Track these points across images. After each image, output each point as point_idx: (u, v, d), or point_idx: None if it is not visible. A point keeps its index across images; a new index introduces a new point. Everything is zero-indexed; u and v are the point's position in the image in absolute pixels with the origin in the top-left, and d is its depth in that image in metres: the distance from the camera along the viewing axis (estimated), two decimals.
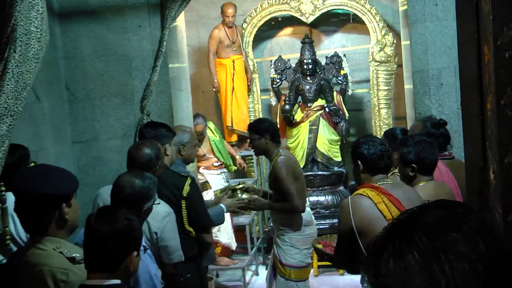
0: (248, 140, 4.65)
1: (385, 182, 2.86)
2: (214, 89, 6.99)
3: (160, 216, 3.03)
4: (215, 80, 6.92)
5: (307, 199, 4.56)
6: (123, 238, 2.00)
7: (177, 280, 3.28)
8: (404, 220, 0.97)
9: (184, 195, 3.36)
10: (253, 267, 6.60)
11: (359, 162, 2.90)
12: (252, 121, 7.15)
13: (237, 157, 6.77)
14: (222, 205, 3.99)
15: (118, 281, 1.99)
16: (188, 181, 3.41)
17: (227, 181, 6.45)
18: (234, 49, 6.97)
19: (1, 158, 2.42)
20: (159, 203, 2.89)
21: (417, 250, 0.89)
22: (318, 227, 5.80)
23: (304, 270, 4.36)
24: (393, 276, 0.90)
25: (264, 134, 4.23)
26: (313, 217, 4.53)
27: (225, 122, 7.06)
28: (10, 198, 2.83)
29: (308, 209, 4.44)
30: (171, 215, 3.12)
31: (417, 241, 0.90)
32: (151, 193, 2.69)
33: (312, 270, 4.96)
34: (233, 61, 6.93)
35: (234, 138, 7.11)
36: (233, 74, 6.91)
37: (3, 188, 2.34)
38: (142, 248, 2.20)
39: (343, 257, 2.95)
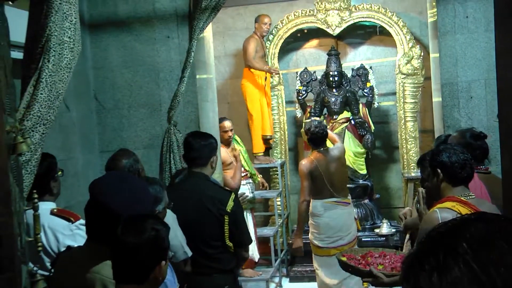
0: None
1: (470, 197, 2.67)
2: (273, 72, 6.80)
3: None
4: (267, 67, 6.77)
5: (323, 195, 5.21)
6: (151, 249, 1.97)
7: None
8: (445, 232, 0.94)
9: (228, 210, 3.29)
10: (276, 279, 6.55)
11: (439, 171, 2.72)
12: (276, 131, 7.19)
13: (259, 176, 6.69)
14: None
15: None
16: (232, 196, 3.35)
17: (252, 192, 6.42)
18: (266, 60, 6.97)
19: (34, 166, 2.44)
20: None
21: (464, 263, 0.86)
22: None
23: (316, 248, 5.22)
24: None
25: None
26: (327, 211, 5.17)
27: (255, 132, 6.91)
28: (41, 207, 2.86)
29: (318, 203, 5.19)
30: (167, 215, 3.08)
31: (462, 254, 0.87)
32: (161, 196, 2.73)
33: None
34: (266, 72, 6.91)
35: (262, 149, 7.04)
36: (265, 85, 6.89)
37: (36, 196, 2.35)
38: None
39: None
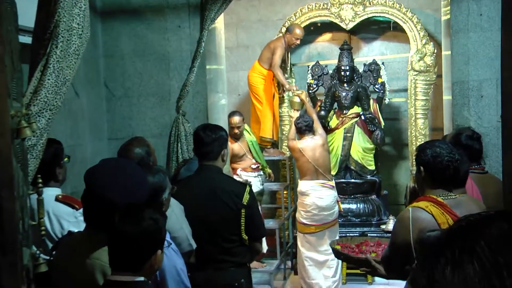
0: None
1: (449, 197, 2.60)
2: (290, 90, 6.76)
3: None
4: (288, 86, 6.75)
5: (310, 178, 5.88)
6: (148, 239, 1.99)
7: (232, 285, 3.29)
8: (465, 227, 0.93)
9: (245, 203, 3.27)
10: (281, 271, 6.57)
11: (422, 169, 2.66)
12: (286, 124, 7.17)
13: (268, 168, 6.70)
14: None
15: (142, 278, 2.01)
16: (248, 188, 3.33)
17: (262, 184, 6.44)
18: (282, 65, 6.89)
19: (39, 151, 2.45)
20: None
21: (478, 262, 0.85)
22: (348, 235, 5.83)
23: (301, 226, 5.88)
24: (449, 285, 0.87)
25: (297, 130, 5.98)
26: (314, 191, 5.80)
27: (259, 132, 6.89)
28: (46, 193, 2.88)
29: (307, 183, 5.84)
30: (173, 206, 3.05)
31: (479, 252, 0.86)
32: (164, 184, 2.73)
33: (340, 276, 5.87)
34: (273, 78, 6.86)
35: (268, 144, 7.03)
36: (273, 85, 6.87)
37: (40, 181, 2.37)
38: (166, 243, 2.19)
39: (390, 266, 2.78)
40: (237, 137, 6.16)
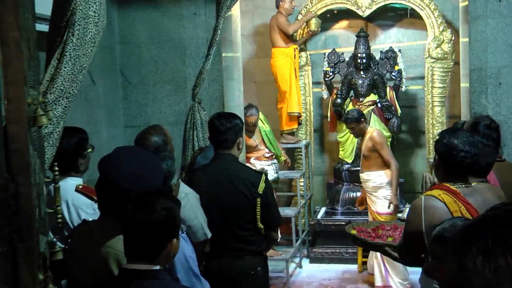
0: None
1: (463, 186, 2.58)
2: (311, 17, 6.84)
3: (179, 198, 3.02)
4: (306, 14, 6.88)
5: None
6: (162, 229, 1.98)
7: (248, 273, 3.31)
8: (501, 216, 0.90)
9: (260, 192, 3.27)
10: (296, 260, 6.58)
11: (436, 156, 2.65)
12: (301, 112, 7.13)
13: (283, 152, 6.69)
14: None
15: (157, 267, 2.00)
16: (263, 177, 3.32)
17: (277, 173, 6.44)
18: (293, 37, 6.92)
19: (56, 138, 2.47)
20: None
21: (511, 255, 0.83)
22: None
23: (389, 216, 5.50)
24: (479, 275, 0.85)
25: (361, 119, 5.65)
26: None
27: (285, 109, 6.89)
28: (68, 182, 2.90)
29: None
30: (189, 195, 3.08)
31: None
32: (173, 171, 2.75)
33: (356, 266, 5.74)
34: (294, 50, 6.86)
35: (295, 125, 7.02)
36: (295, 62, 6.86)
37: (57, 169, 2.38)
38: (180, 230, 2.18)
39: (407, 255, 2.79)
40: (251, 132, 6.16)
